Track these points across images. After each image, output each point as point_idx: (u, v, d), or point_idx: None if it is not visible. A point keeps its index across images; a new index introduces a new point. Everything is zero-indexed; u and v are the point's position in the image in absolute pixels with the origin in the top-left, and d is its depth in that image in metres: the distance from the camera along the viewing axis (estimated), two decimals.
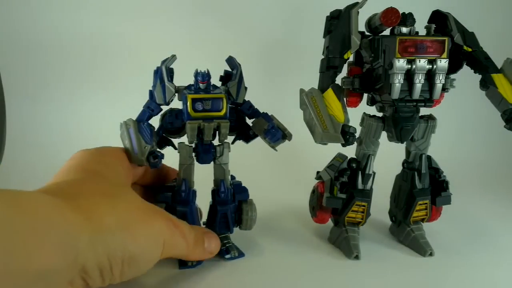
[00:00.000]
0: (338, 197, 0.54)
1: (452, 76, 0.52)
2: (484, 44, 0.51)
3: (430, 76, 0.48)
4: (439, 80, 0.48)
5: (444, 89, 0.51)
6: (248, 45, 1.00)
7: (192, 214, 0.51)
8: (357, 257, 0.53)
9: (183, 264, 0.51)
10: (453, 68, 0.51)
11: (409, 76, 0.48)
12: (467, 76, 0.52)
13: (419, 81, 0.47)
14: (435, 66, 0.47)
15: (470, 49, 0.50)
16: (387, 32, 0.50)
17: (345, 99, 0.53)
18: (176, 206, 0.51)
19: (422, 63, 0.47)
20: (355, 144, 0.53)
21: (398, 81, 0.47)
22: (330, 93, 0.49)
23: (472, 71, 0.51)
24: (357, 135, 0.51)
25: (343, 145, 0.49)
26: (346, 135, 0.47)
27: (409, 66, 0.47)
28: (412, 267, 0.52)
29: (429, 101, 0.49)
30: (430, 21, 0.52)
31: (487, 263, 0.53)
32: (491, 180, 0.90)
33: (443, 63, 0.47)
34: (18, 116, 0.98)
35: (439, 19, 0.52)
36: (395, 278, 0.49)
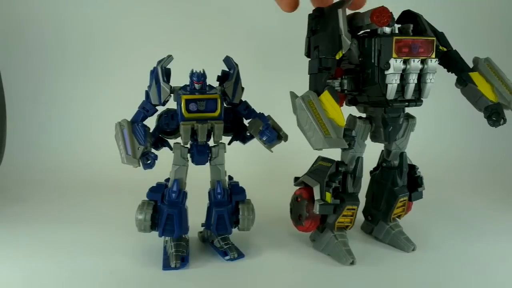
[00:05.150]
0: (332, 203, 0.52)
1: None
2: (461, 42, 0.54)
3: (419, 75, 0.49)
4: (430, 80, 0.48)
5: None
6: (247, 45, 1.00)
7: (180, 216, 0.51)
8: (353, 263, 0.52)
9: (166, 265, 0.50)
10: None
11: (401, 76, 0.48)
12: (442, 74, 0.54)
13: (413, 80, 0.47)
14: (426, 66, 0.47)
15: (445, 49, 0.51)
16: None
17: None
18: (164, 208, 0.50)
19: (416, 63, 0.47)
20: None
21: (394, 81, 0.47)
22: (327, 96, 0.46)
23: (445, 70, 0.53)
24: None
25: (343, 149, 0.47)
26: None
27: (404, 66, 0.47)
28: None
29: (419, 100, 0.50)
30: (399, 21, 0.53)
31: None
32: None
33: (433, 62, 0.48)
34: (18, 116, 0.99)
35: (409, 19, 0.52)
36: (391, 275, 0.50)
